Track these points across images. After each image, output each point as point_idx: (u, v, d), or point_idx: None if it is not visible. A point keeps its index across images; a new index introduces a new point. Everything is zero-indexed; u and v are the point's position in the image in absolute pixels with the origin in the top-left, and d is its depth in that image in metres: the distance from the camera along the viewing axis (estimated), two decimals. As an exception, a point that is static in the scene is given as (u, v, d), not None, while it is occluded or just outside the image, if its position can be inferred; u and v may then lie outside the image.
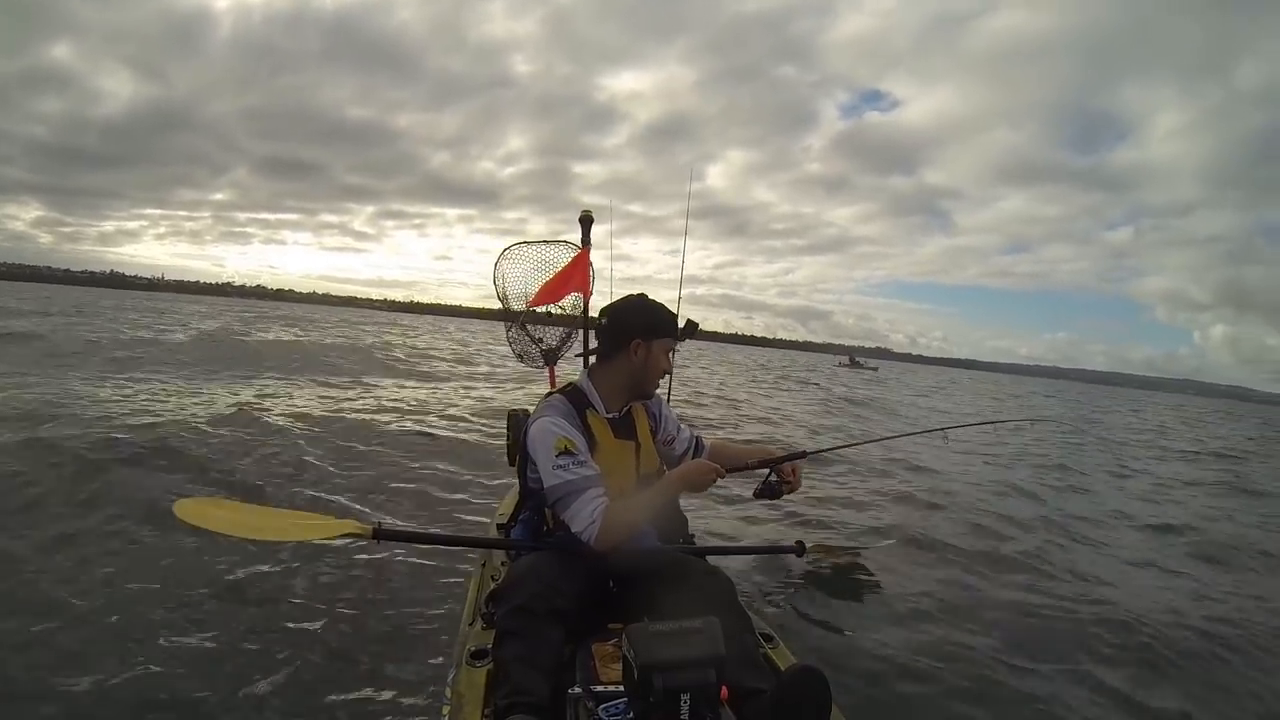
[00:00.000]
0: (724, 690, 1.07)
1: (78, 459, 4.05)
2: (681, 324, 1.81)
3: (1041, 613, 2.74)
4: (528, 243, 2.83)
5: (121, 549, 2.85)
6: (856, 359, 49.85)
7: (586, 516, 1.48)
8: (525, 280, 2.82)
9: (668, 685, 1.03)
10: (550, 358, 2.83)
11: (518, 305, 2.83)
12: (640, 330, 1.65)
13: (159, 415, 5.57)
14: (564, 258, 2.79)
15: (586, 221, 2.83)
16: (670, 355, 1.72)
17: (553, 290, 2.75)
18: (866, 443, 2.59)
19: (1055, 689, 2.13)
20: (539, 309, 2.80)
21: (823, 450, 2.43)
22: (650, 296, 1.74)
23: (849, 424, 10.35)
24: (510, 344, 2.92)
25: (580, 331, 2.71)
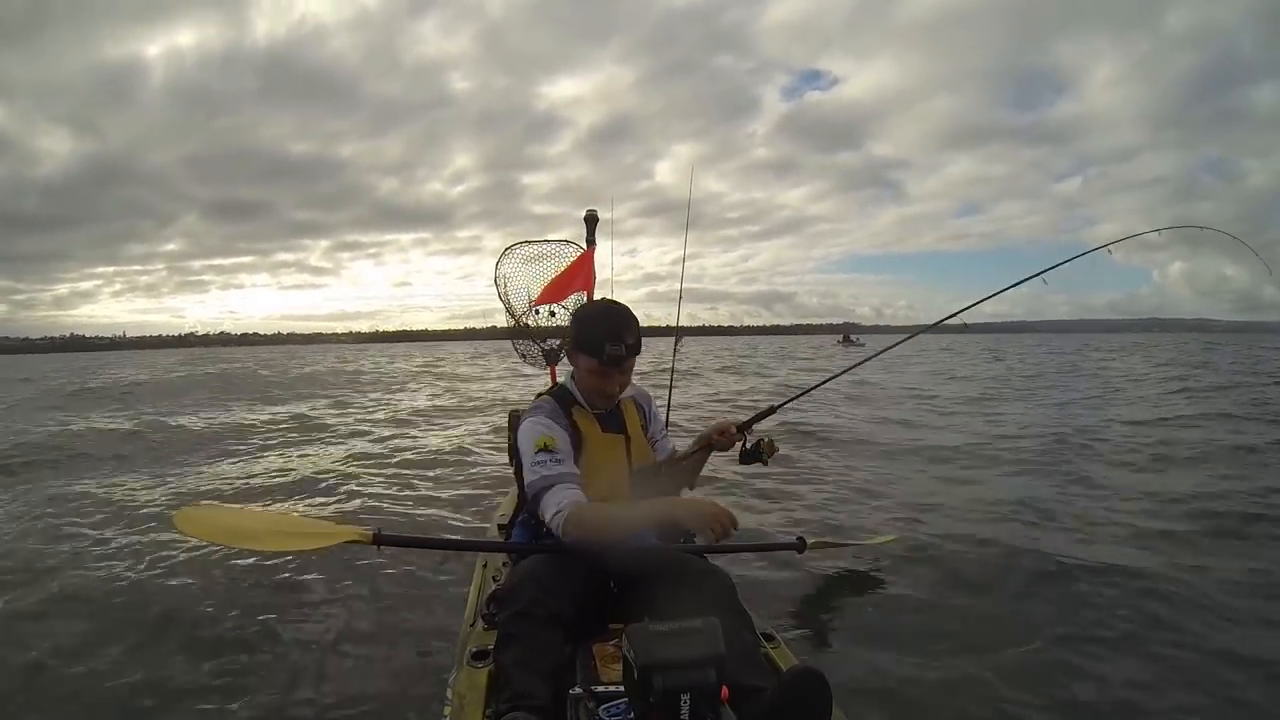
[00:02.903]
0: (724, 690, 1.07)
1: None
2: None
3: (1047, 605, 2.72)
4: (530, 242, 2.82)
5: (125, 554, 2.86)
6: (850, 336, 51.04)
7: (554, 506, 1.47)
8: (527, 281, 2.81)
9: (668, 685, 1.02)
10: (552, 358, 2.83)
11: (520, 305, 2.83)
12: (572, 342, 1.66)
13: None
14: (567, 256, 2.79)
15: (591, 221, 2.81)
16: (615, 374, 1.60)
17: (557, 289, 2.74)
18: (832, 379, 2.40)
19: (1060, 685, 2.12)
20: (542, 308, 2.79)
21: (789, 401, 2.23)
22: (615, 300, 1.72)
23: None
24: (512, 344, 2.92)
25: None
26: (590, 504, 1.47)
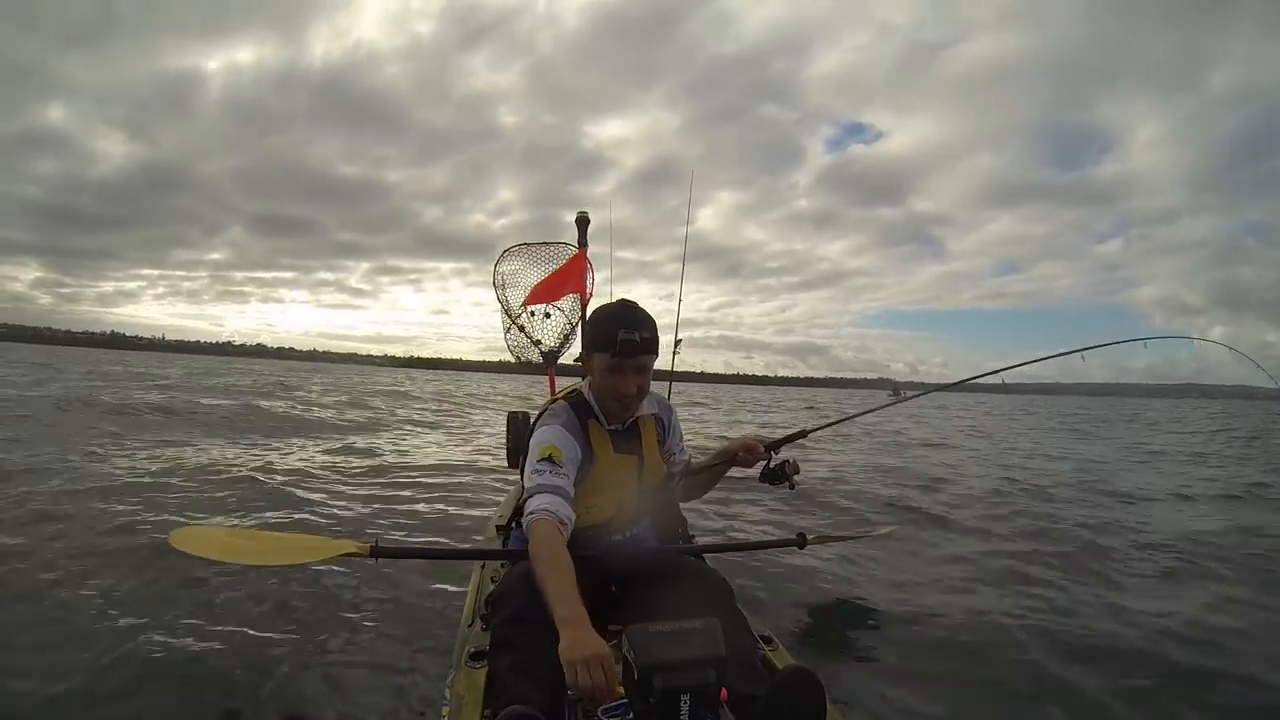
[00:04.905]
0: (724, 691, 1.08)
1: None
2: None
3: (1048, 602, 2.74)
4: (528, 244, 2.83)
5: (122, 573, 2.84)
6: (900, 391, 53.71)
7: (532, 508, 1.43)
8: (525, 282, 2.82)
9: (668, 686, 1.02)
10: (549, 359, 2.83)
11: (517, 307, 2.83)
12: (586, 343, 1.59)
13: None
14: (564, 258, 2.79)
15: (583, 222, 2.81)
16: (627, 374, 1.51)
17: (548, 290, 2.74)
18: (865, 413, 2.60)
19: (1061, 687, 2.13)
20: (537, 309, 2.80)
21: (821, 427, 2.28)
22: (633, 303, 1.57)
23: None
24: (508, 346, 2.92)
25: (579, 333, 2.71)
26: (555, 533, 1.39)
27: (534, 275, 2.81)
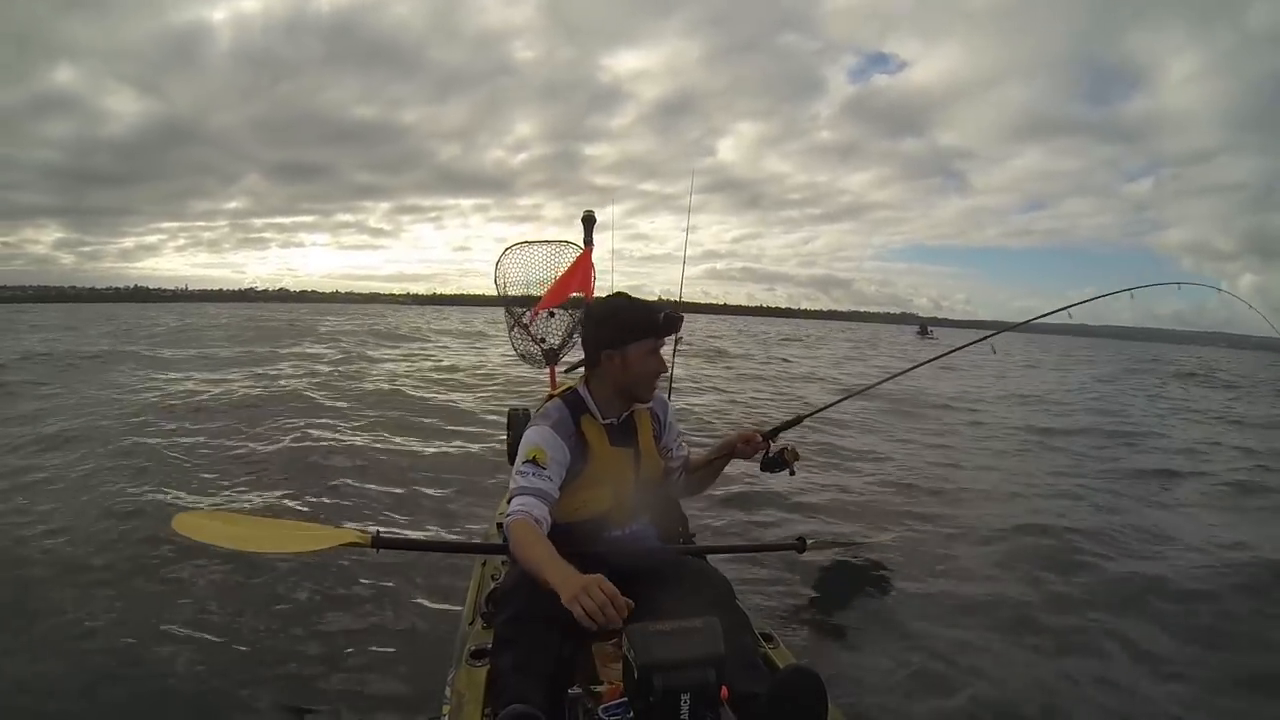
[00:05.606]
0: (725, 690, 1.07)
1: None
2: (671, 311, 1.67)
3: (1050, 603, 2.73)
4: (530, 242, 2.83)
5: (123, 558, 2.86)
6: (927, 329, 55.25)
7: (512, 509, 1.47)
8: (528, 281, 2.82)
9: (667, 685, 1.02)
10: (551, 358, 2.83)
11: (519, 306, 2.84)
12: (607, 341, 1.59)
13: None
14: (566, 257, 2.79)
15: (589, 222, 2.81)
16: (658, 352, 1.60)
17: (555, 295, 2.75)
18: (867, 388, 2.50)
19: (1061, 686, 2.12)
20: (542, 312, 2.80)
21: (817, 411, 2.27)
22: (630, 295, 1.64)
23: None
24: (512, 344, 2.92)
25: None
26: (530, 526, 1.43)
27: (537, 274, 2.81)
